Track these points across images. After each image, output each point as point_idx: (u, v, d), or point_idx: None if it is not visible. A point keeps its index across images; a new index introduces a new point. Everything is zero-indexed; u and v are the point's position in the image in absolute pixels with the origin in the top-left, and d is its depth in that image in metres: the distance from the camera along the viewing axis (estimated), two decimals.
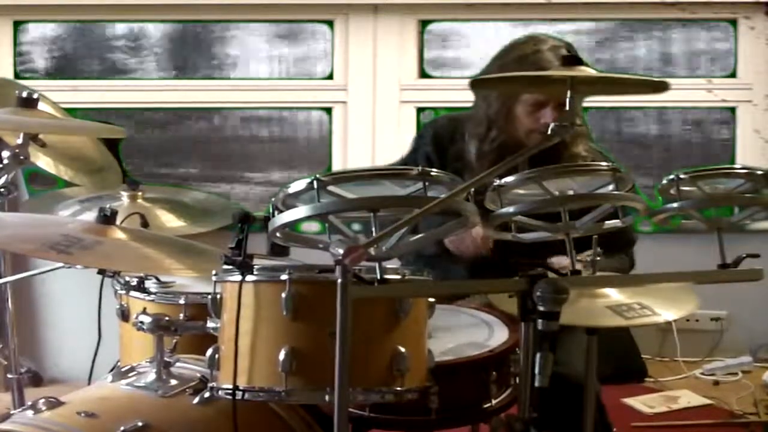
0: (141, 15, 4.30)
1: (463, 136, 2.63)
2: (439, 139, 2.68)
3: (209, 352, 1.86)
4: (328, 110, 4.35)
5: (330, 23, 4.31)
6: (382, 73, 4.31)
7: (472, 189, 1.72)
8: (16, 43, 4.28)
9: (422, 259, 2.53)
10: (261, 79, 4.35)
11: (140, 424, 1.84)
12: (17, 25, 4.28)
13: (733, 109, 4.35)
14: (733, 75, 4.33)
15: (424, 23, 4.31)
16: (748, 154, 4.31)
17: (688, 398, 3.75)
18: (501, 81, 2.19)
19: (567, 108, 1.75)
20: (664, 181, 1.86)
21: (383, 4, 4.27)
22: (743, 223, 1.90)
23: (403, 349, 1.79)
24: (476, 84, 2.34)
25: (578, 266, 1.79)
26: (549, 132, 1.74)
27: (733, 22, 4.31)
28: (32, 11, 4.27)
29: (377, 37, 4.29)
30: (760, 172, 1.85)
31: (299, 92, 4.36)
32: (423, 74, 4.33)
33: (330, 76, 4.33)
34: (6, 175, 2.24)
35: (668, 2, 4.26)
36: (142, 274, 2.34)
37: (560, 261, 2.20)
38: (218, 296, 1.88)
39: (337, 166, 4.33)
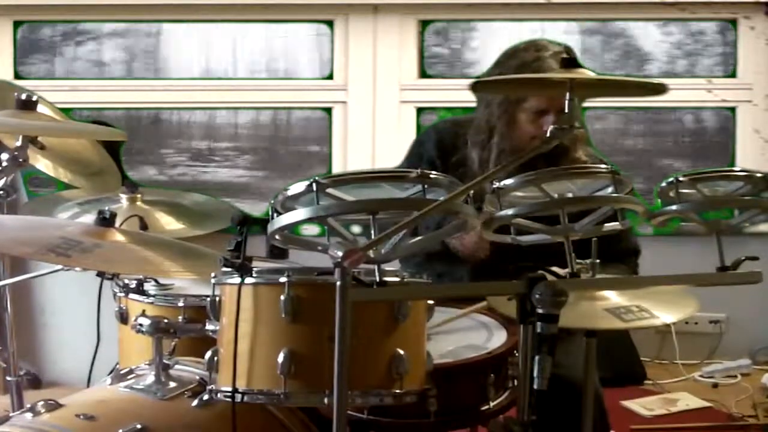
0: (141, 15, 4.30)
1: (466, 142, 2.63)
2: (442, 144, 2.67)
3: (208, 354, 1.86)
4: (328, 110, 4.35)
5: (330, 23, 4.31)
6: (382, 73, 4.31)
7: (472, 192, 1.71)
8: (16, 43, 4.28)
9: (424, 261, 2.53)
10: (261, 79, 4.35)
11: (139, 426, 1.84)
12: (17, 25, 4.28)
13: (733, 109, 4.34)
14: (733, 75, 4.33)
15: (424, 23, 4.31)
16: (748, 155, 4.30)
17: (687, 401, 3.75)
18: (501, 84, 2.18)
19: (567, 110, 1.75)
20: (663, 184, 1.86)
21: (383, 4, 4.27)
22: (742, 225, 1.89)
23: (402, 352, 1.79)
24: (476, 87, 2.35)
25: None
26: (548, 135, 1.74)
27: (733, 22, 4.30)
28: (32, 11, 4.27)
29: (377, 37, 4.29)
30: (759, 175, 1.84)
31: (299, 92, 4.35)
32: (423, 74, 4.33)
33: (330, 76, 4.33)
34: (5, 178, 2.24)
35: (668, 2, 4.25)
36: (141, 277, 2.34)
37: None
38: (217, 299, 1.88)
39: (336, 166, 4.32)
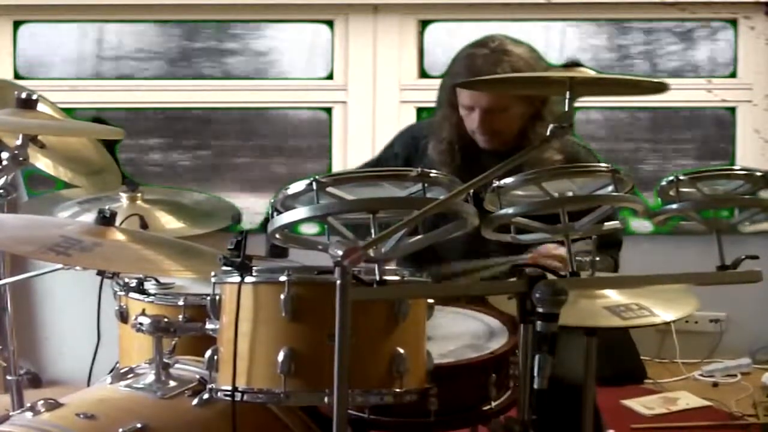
0: (141, 15, 4.30)
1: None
2: (414, 142, 2.71)
3: (208, 353, 1.87)
4: (328, 110, 4.35)
5: (330, 23, 4.31)
6: (382, 73, 4.31)
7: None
8: (15, 43, 4.28)
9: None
10: (261, 79, 4.35)
11: (139, 425, 1.84)
12: (17, 25, 4.28)
13: (733, 109, 4.34)
14: (733, 75, 4.33)
15: (424, 23, 4.31)
16: (748, 154, 4.30)
17: (687, 400, 3.75)
18: (495, 82, 2.19)
19: (567, 109, 1.75)
20: (664, 183, 1.86)
21: (383, 4, 4.27)
22: (742, 224, 1.89)
23: (402, 351, 1.79)
24: (464, 84, 2.38)
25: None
26: (548, 133, 1.74)
27: (733, 22, 4.30)
28: (32, 11, 4.27)
29: (377, 37, 4.29)
30: (759, 174, 1.84)
31: (299, 92, 4.35)
32: (423, 74, 4.33)
33: (330, 76, 4.33)
34: (5, 177, 2.24)
35: (668, 2, 4.25)
36: (141, 276, 2.34)
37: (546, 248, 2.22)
38: (217, 298, 1.88)
39: (337, 166, 4.32)
